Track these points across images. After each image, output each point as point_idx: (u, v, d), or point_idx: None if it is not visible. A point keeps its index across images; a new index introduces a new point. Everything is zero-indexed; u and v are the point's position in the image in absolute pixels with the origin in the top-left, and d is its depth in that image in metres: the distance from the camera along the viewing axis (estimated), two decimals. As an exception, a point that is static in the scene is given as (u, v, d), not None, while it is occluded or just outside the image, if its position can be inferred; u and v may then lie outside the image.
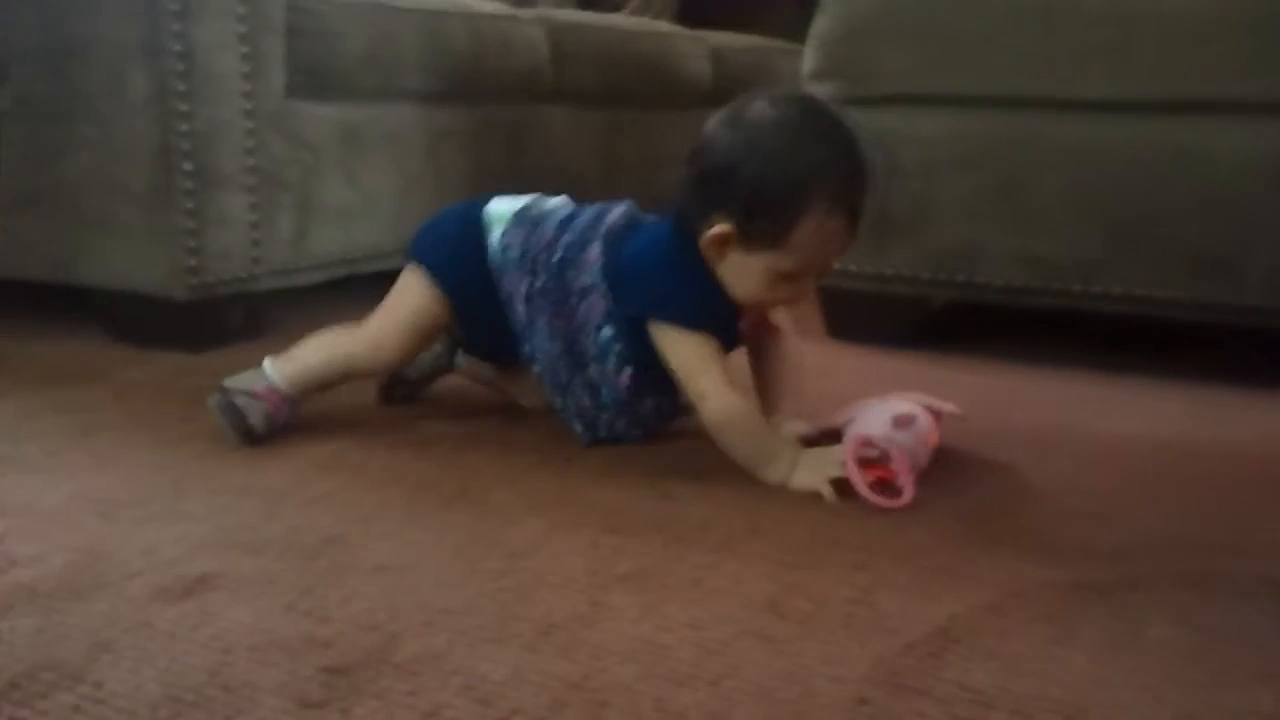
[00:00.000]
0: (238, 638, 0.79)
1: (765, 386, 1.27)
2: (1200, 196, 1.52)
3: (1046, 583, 0.90)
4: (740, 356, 1.25)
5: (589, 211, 1.23)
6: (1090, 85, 1.55)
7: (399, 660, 0.76)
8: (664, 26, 2.81)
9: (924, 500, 1.07)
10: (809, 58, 1.72)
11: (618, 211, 1.22)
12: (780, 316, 1.27)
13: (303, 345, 1.25)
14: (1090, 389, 1.53)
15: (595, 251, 1.18)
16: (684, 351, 1.14)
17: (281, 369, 1.22)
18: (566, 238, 1.20)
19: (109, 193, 1.58)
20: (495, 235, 1.23)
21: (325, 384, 1.25)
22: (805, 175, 1.06)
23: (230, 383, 1.21)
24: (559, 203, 1.26)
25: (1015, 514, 1.06)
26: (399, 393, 1.37)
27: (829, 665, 0.77)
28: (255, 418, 1.19)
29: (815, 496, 1.07)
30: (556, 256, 1.19)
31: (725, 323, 1.17)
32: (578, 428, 1.23)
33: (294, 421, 1.24)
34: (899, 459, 1.05)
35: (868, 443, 1.06)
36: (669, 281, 1.15)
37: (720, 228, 1.10)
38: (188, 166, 1.54)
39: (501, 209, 1.25)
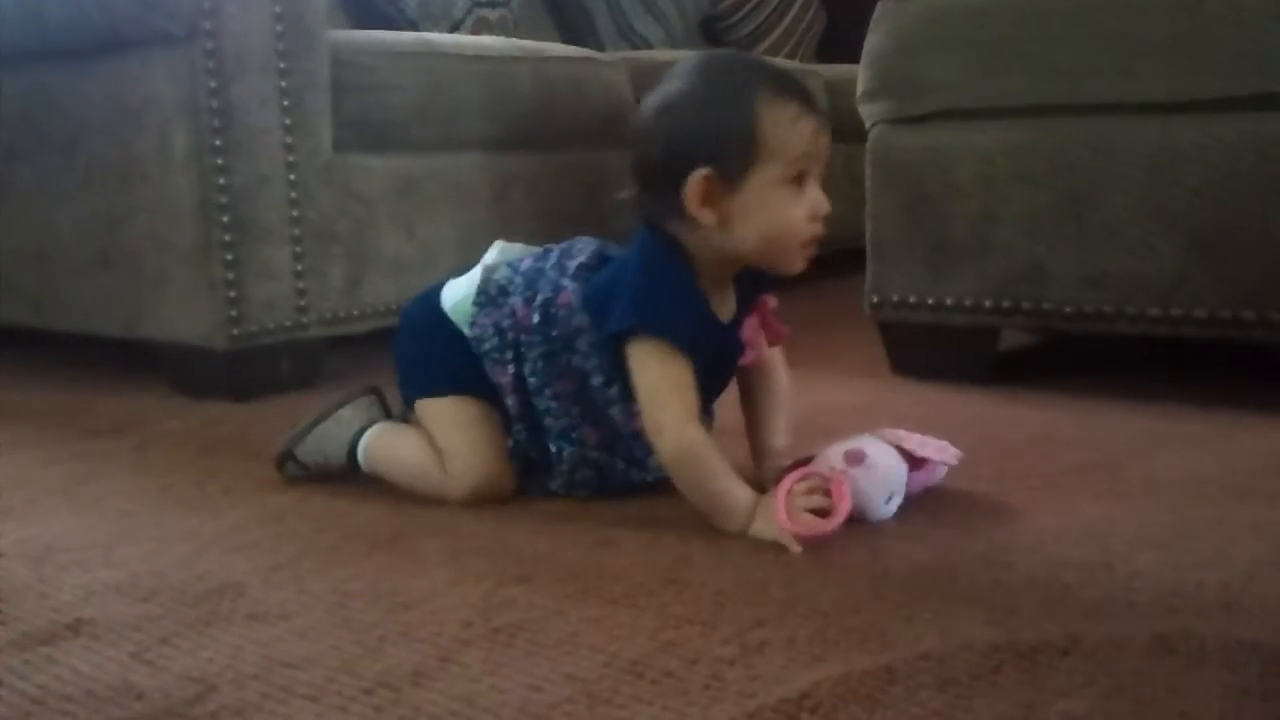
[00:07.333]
0: (58, 688, 0.76)
1: (756, 423, 1.17)
2: (1293, 201, 1.32)
3: (965, 643, 0.77)
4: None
5: (553, 256, 1.14)
6: (1159, 84, 1.39)
7: (198, 713, 0.72)
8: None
9: (891, 550, 0.95)
10: (861, 78, 1.61)
11: (584, 248, 1.14)
12: (775, 353, 1.17)
13: (397, 451, 1.18)
14: (1163, 425, 1.34)
15: (569, 291, 1.09)
16: (654, 375, 1.03)
17: (370, 465, 1.19)
18: (540, 296, 1.10)
19: (162, 250, 1.64)
20: (467, 330, 1.13)
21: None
22: (737, 84, 1.03)
23: (308, 448, 1.21)
24: (517, 257, 1.16)
25: (993, 565, 0.93)
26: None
27: (651, 734, 0.67)
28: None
29: (772, 545, 0.97)
30: (535, 319, 1.10)
31: (716, 343, 1.07)
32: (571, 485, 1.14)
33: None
34: (836, 487, 0.94)
35: (805, 475, 0.95)
36: (645, 287, 1.04)
37: (696, 175, 1.01)
38: (226, 220, 1.57)
39: (459, 297, 1.15)
